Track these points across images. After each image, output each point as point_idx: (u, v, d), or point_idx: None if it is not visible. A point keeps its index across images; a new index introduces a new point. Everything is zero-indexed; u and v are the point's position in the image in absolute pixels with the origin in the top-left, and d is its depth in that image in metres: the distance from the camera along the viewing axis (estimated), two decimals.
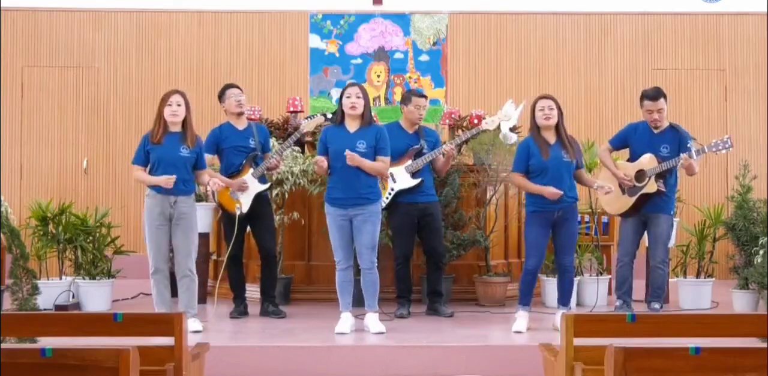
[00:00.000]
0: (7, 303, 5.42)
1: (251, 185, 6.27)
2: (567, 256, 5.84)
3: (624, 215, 6.33)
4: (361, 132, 5.73)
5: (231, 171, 6.31)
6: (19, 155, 9.28)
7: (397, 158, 6.24)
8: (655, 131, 6.22)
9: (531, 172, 5.80)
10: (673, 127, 6.25)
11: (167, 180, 5.57)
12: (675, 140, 6.13)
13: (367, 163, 5.67)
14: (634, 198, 6.17)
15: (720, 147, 5.93)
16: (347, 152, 5.57)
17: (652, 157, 6.12)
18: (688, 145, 6.02)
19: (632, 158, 6.30)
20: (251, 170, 6.28)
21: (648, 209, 6.18)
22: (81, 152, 9.33)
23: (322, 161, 5.63)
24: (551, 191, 5.65)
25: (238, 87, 6.47)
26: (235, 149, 6.30)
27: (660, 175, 6.10)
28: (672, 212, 6.25)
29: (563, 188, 5.70)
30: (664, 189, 6.11)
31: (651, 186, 6.09)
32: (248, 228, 6.44)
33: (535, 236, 5.78)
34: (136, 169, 5.83)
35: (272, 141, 6.69)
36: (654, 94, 6.19)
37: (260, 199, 6.33)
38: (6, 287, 5.29)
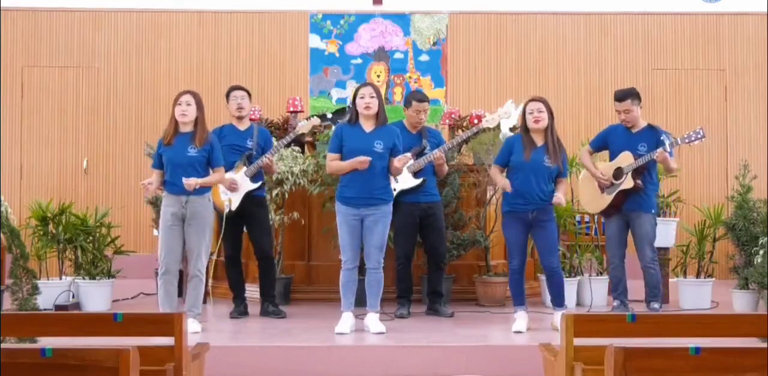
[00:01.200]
0: (7, 303, 5.43)
1: (242, 184, 6.27)
2: (550, 258, 5.84)
3: (606, 215, 6.35)
4: (377, 132, 5.74)
5: (225, 170, 6.31)
6: (19, 155, 9.28)
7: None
8: (633, 131, 6.25)
9: (510, 168, 5.88)
10: (650, 126, 6.29)
11: (146, 186, 5.74)
12: (652, 138, 6.15)
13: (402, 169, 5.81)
14: (612, 196, 6.20)
15: (692, 138, 5.98)
16: (399, 162, 5.64)
17: (629, 154, 6.15)
18: (662, 138, 6.04)
19: (611, 158, 6.34)
20: (244, 169, 6.30)
21: (629, 208, 6.19)
22: (81, 152, 9.33)
23: (367, 160, 5.61)
24: (503, 185, 5.80)
25: (243, 89, 6.47)
26: (230, 148, 6.31)
27: (638, 173, 6.12)
28: (653, 211, 6.25)
29: (535, 191, 5.72)
30: (641, 185, 6.11)
31: (628, 182, 6.12)
32: (243, 229, 6.46)
33: (514, 235, 5.82)
34: (153, 173, 5.86)
35: (274, 142, 6.70)
36: (620, 96, 6.25)
37: (252, 198, 6.32)
38: (6, 287, 5.29)
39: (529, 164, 5.76)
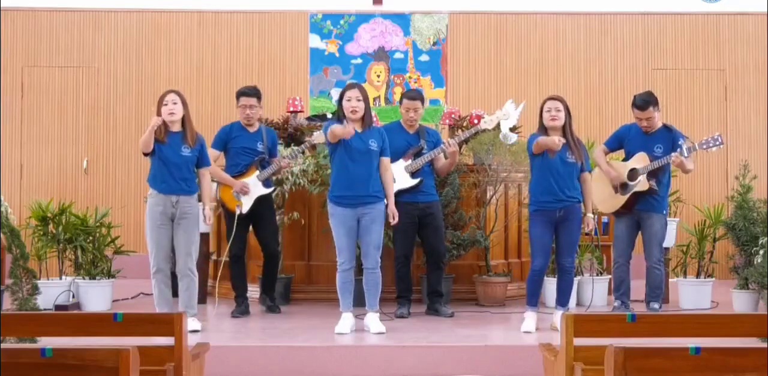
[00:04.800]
0: (7, 303, 5.42)
1: (254, 188, 6.31)
2: (567, 257, 5.84)
3: (617, 215, 6.36)
4: (368, 132, 5.74)
5: (236, 171, 6.35)
6: (19, 155, 9.28)
7: (397, 158, 6.24)
8: (649, 132, 6.25)
9: (535, 168, 5.85)
10: (666, 127, 6.29)
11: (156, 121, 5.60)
12: (668, 140, 6.16)
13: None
14: (626, 196, 6.21)
15: (711, 144, 5.97)
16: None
17: (644, 155, 6.16)
18: (680, 142, 6.04)
19: (627, 159, 6.35)
20: (257, 173, 6.33)
21: (640, 208, 6.20)
22: (81, 152, 9.33)
23: (352, 127, 5.56)
24: (553, 141, 5.57)
25: (254, 95, 6.43)
26: (242, 150, 6.37)
27: (653, 174, 6.13)
28: (665, 212, 6.26)
29: (563, 189, 5.71)
30: (656, 187, 6.12)
31: (643, 184, 6.13)
32: (250, 228, 6.48)
33: (539, 235, 5.79)
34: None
35: (281, 149, 6.71)
36: (641, 104, 6.19)
37: (263, 201, 6.36)
38: (6, 287, 5.28)
39: (552, 162, 5.74)
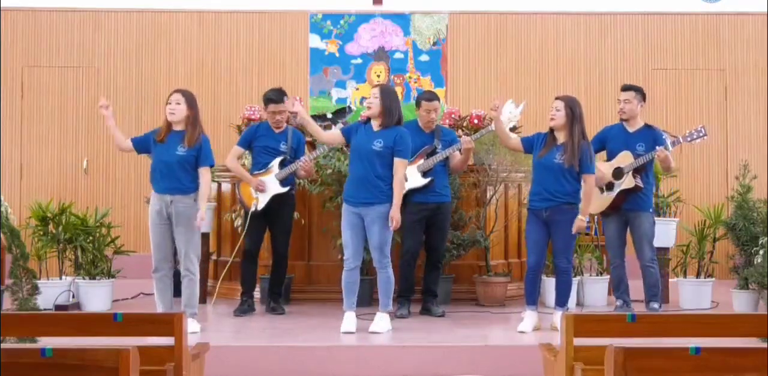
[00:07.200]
0: (7, 303, 5.43)
1: (271, 186, 6.36)
2: (559, 258, 5.84)
3: (605, 215, 6.39)
4: (382, 132, 5.75)
5: (257, 169, 6.43)
6: (19, 155, 9.28)
7: (410, 157, 6.25)
8: (630, 130, 6.32)
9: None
10: (647, 126, 6.37)
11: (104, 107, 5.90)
12: (650, 138, 6.25)
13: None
14: (613, 195, 6.24)
15: (694, 136, 6.05)
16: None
17: (628, 153, 6.21)
18: (663, 137, 6.09)
19: (609, 158, 6.39)
20: (276, 172, 6.36)
21: (628, 207, 6.24)
22: (81, 152, 9.33)
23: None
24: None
25: (282, 100, 6.42)
26: (264, 149, 6.44)
27: (637, 172, 6.17)
28: (651, 210, 6.32)
29: (547, 189, 5.72)
30: (641, 184, 6.15)
31: (629, 182, 6.18)
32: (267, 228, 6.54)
33: (530, 233, 5.85)
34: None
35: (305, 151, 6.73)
36: (625, 86, 6.43)
37: (281, 200, 6.40)
38: (6, 287, 5.29)
39: (541, 161, 5.79)
